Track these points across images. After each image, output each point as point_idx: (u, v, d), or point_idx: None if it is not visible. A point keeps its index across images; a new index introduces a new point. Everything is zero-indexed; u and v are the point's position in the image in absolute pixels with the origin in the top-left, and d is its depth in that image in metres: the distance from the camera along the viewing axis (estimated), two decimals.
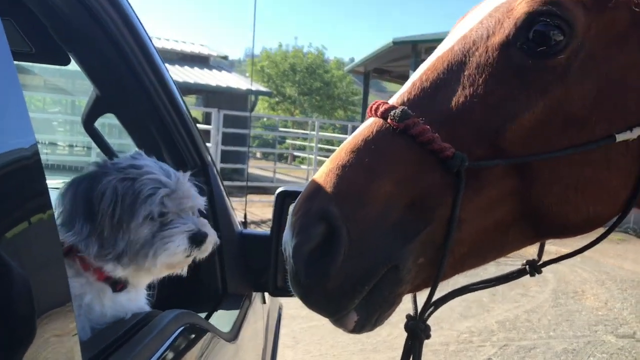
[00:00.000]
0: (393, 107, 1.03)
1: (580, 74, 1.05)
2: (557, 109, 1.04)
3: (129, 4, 1.48)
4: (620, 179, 1.10)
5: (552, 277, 9.06)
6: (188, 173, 1.44)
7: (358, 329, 1.03)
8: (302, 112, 40.19)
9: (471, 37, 1.09)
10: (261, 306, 2.16)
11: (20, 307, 0.61)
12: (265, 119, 33.71)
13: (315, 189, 1.01)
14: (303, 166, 21.77)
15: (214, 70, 21.97)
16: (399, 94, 1.08)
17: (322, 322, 6.48)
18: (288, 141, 28.41)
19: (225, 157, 15.51)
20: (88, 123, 1.72)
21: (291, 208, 1.87)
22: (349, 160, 1.01)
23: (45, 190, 0.68)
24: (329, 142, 24.63)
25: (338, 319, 1.03)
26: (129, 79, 1.56)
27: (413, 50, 17.98)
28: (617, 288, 8.82)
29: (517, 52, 1.05)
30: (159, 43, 20.63)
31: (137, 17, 1.53)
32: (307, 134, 20.67)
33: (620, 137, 1.05)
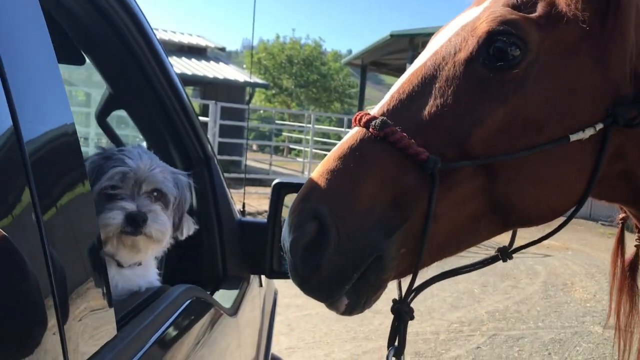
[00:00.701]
0: (374, 118, 1.16)
1: (536, 84, 1.18)
2: (517, 115, 1.17)
3: (142, 11, 1.62)
4: (576, 174, 1.22)
5: (542, 270, 9.25)
6: (168, 168, 1.55)
7: (349, 311, 1.17)
8: (299, 104, 40.24)
9: (441, 54, 1.22)
10: (258, 289, 2.32)
11: (67, 279, 0.76)
12: (261, 112, 33.77)
13: (309, 191, 1.15)
14: (299, 159, 21.88)
15: (212, 62, 22.00)
16: (380, 106, 1.22)
17: (316, 311, 6.67)
18: (284, 134, 28.50)
19: (222, 149, 15.61)
20: (101, 118, 1.87)
21: (286, 199, 2.02)
22: (337, 165, 1.14)
23: (82, 164, 0.83)
24: (325, 135, 24.75)
25: (331, 303, 1.16)
26: (139, 78, 1.70)
27: (410, 43, 18.05)
28: (606, 281, 8.95)
29: (480, 66, 1.17)
30: (156, 34, 20.63)
31: (148, 22, 1.67)
32: (303, 126, 20.77)
33: (574, 137, 1.18)
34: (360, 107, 23.75)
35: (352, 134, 1.19)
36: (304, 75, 38.74)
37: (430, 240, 1.15)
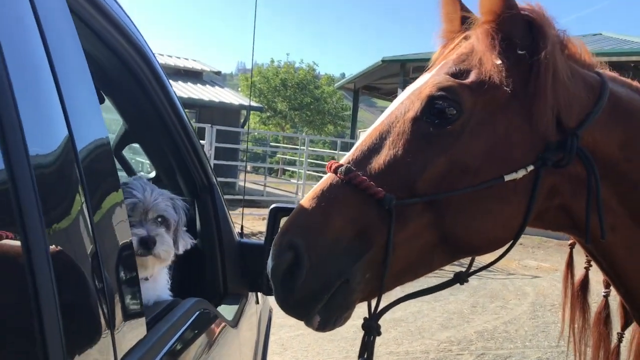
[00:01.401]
0: (341, 165, 1.40)
1: (471, 136, 1.40)
2: (456, 162, 1.39)
3: (155, 58, 1.85)
4: (512, 210, 1.43)
5: (531, 291, 9.42)
6: (166, 192, 1.80)
7: (321, 327, 1.38)
8: (293, 126, 40.62)
9: (395, 114, 1.46)
10: (255, 306, 2.52)
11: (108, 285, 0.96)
12: (256, 134, 34.12)
13: (287, 226, 1.38)
14: (293, 180, 22.10)
15: (207, 85, 22.31)
16: (347, 156, 1.45)
17: (309, 331, 6.77)
18: (278, 155, 28.78)
19: (217, 171, 15.72)
20: (117, 151, 2.09)
21: (282, 222, 2.22)
22: (311, 204, 1.37)
23: (116, 173, 1.03)
24: (319, 157, 25.03)
25: (306, 320, 1.38)
26: (152, 116, 1.92)
27: (402, 68, 18.47)
28: (594, 302, 9.10)
29: (424, 124, 1.41)
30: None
31: (159, 65, 1.90)
32: (297, 149, 21.03)
33: (507, 178, 1.39)
34: (353, 129, 24.13)
35: (325, 179, 1.42)
36: (298, 99, 39.18)
37: (391, 267, 1.36)
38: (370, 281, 1.38)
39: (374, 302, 1.46)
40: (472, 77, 1.43)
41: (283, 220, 2.15)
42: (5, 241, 0.68)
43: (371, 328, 1.45)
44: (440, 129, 1.40)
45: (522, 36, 1.44)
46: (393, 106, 1.51)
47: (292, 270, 1.32)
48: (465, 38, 1.53)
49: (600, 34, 18.55)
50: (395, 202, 1.34)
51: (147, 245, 1.64)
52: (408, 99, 1.47)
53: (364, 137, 1.48)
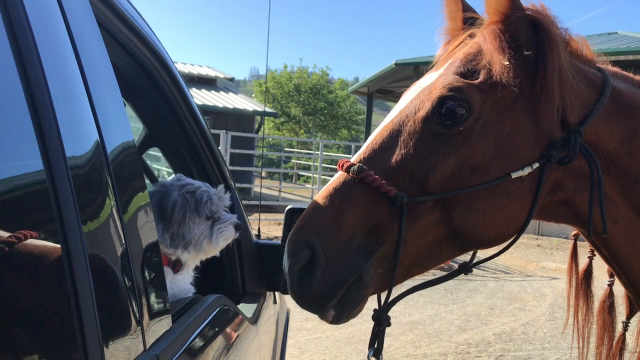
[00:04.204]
0: (353, 164, 1.43)
1: (480, 136, 1.44)
2: (465, 161, 1.43)
3: (175, 66, 1.92)
4: (517, 206, 1.47)
5: (549, 292, 9.35)
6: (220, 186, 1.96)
7: (335, 321, 1.43)
8: (307, 131, 40.70)
9: (405, 112, 1.50)
10: (272, 305, 2.57)
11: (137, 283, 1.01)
12: (270, 139, 34.26)
13: (302, 224, 1.42)
14: (308, 185, 22.16)
15: (221, 92, 22.50)
16: (358, 154, 1.49)
17: (326, 334, 6.84)
18: (293, 160, 28.89)
19: (232, 176, 15.91)
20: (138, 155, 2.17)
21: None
22: (324, 202, 1.41)
23: (142, 173, 1.09)
24: (334, 161, 25.07)
25: (321, 315, 1.43)
26: (172, 121, 1.99)
27: (415, 71, 18.42)
28: (600, 291, 9.05)
29: (434, 123, 1.44)
30: None
31: (179, 73, 1.96)
32: (311, 153, 21.09)
33: (514, 175, 1.43)
34: (367, 133, 24.12)
35: (337, 177, 1.46)
36: (312, 103, 39.22)
37: (401, 262, 1.42)
38: (382, 275, 1.43)
39: (383, 294, 1.51)
40: (481, 77, 1.46)
41: None
42: (47, 239, 0.74)
43: (381, 319, 1.50)
44: (451, 128, 1.44)
45: (527, 36, 1.46)
46: (402, 104, 1.54)
47: (308, 268, 1.36)
48: (470, 36, 1.56)
49: (616, 33, 18.36)
50: (406, 200, 1.38)
51: (238, 228, 1.94)
52: (418, 99, 1.51)
53: (374, 135, 1.51)
